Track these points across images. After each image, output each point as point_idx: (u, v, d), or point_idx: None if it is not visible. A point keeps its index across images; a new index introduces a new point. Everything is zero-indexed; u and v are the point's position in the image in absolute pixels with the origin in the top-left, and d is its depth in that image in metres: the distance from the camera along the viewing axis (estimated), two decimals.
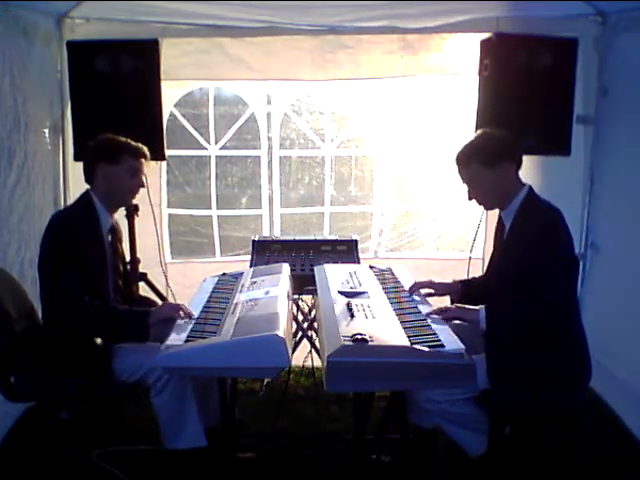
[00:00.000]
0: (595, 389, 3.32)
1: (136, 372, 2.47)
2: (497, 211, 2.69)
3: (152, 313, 2.53)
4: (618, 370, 3.34)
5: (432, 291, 2.75)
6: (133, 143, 2.71)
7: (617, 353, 3.33)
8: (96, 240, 2.63)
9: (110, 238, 2.74)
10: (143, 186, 2.75)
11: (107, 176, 2.65)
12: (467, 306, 2.44)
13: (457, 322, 2.65)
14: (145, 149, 2.74)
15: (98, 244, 2.64)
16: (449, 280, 2.80)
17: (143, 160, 2.72)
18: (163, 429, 2.51)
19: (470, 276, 3.29)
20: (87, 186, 2.73)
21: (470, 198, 2.55)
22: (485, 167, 2.44)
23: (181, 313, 2.48)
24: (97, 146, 2.70)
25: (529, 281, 2.32)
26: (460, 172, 2.53)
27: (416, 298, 2.65)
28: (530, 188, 2.49)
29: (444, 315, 2.40)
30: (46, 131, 3.54)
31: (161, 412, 2.49)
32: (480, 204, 2.57)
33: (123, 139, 2.70)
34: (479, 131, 2.59)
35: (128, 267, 3.04)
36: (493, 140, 2.49)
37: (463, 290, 2.72)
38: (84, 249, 2.53)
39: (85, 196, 2.68)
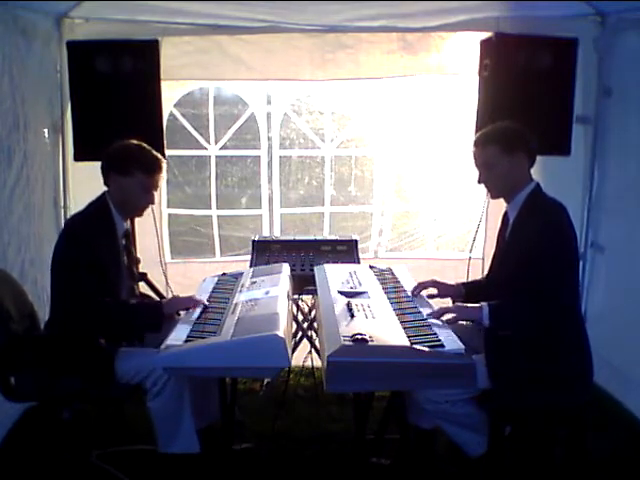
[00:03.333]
0: (605, 388, 3.35)
1: (136, 375, 2.46)
2: (498, 211, 2.69)
3: (165, 304, 2.58)
4: (627, 368, 3.35)
5: (435, 292, 2.75)
6: (149, 155, 2.60)
7: (623, 350, 3.34)
8: (112, 244, 2.62)
9: (124, 242, 2.72)
10: (153, 203, 2.69)
11: (118, 186, 2.60)
12: (467, 304, 2.44)
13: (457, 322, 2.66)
14: (161, 162, 2.62)
15: (114, 248, 2.63)
16: (450, 281, 2.80)
17: (157, 176, 2.62)
18: (158, 433, 2.51)
19: (470, 276, 3.30)
20: (87, 186, 2.73)
21: (480, 182, 2.56)
22: (502, 152, 2.46)
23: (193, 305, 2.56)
24: (111, 153, 2.63)
25: (532, 278, 2.32)
26: (476, 154, 2.54)
27: (416, 297, 2.65)
28: (538, 184, 2.50)
29: (446, 319, 2.39)
30: (46, 131, 3.54)
31: (156, 417, 2.48)
32: (488, 190, 2.57)
33: (138, 149, 2.60)
34: (499, 122, 2.60)
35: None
36: (514, 129, 2.52)
37: (466, 293, 2.71)
38: (102, 252, 2.53)
39: (101, 199, 2.64)
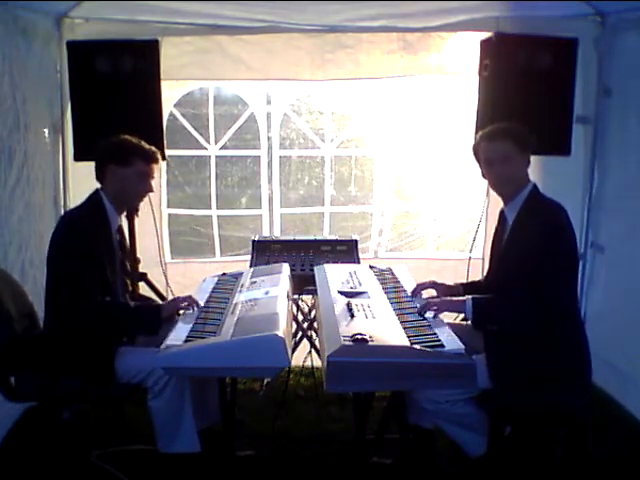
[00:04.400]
0: (605, 389, 3.36)
1: (137, 375, 2.47)
2: (497, 211, 2.69)
3: (163, 307, 2.60)
4: (627, 369, 3.35)
5: (434, 293, 2.75)
6: (146, 146, 2.67)
7: (623, 351, 3.34)
8: (107, 239, 2.63)
9: (118, 237, 2.74)
10: (152, 191, 2.73)
11: (116, 178, 2.62)
12: (453, 298, 2.45)
13: (457, 322, 2.66)
14: (157, 153, 2.70)
15: (108, 243, 2.63)
16: (449, 281, 2.80)
17: (154, 165, 2.68)
18: (158, 433, 2.51)
19: (470, 277, 3.30)
20: (87, 186, 2.73)
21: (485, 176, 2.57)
22: (517, 148, 2.47)
23: (187, 305, 2.60)
24: (108, 146, 2.66)
25: (531, 279, 2.32)
26: (488, 147, 2.51)
27: (415, 297, 2.65)
28: (535, 185, 2.51)
29: (431, 310, 2.41)
30: (46, 131, 3.54)
31: (157, 416, 2.49)
32: (495, 185, 2.56)
33: (136, 141, 2.66)
34: (503, 122, 2.59)
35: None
36: (524, 129, 2.52)
37: (465, 293, 2.71)
38: (97, 248, 2.53)
39: (95, 195, 2.66)
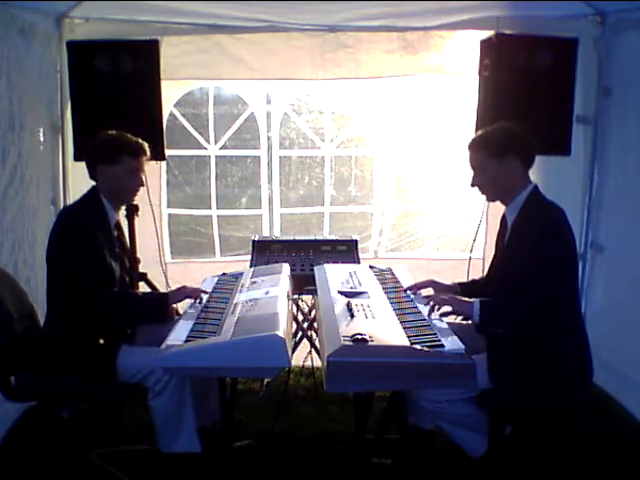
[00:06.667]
0: (605, 389, 3.37)
1: (137, 374, 2.47)
2: (499, 211, 2.69)
3: (170, 295, 2.63)
4: (626, 369, 3.35)
5: (432, 291, 2.75)
6: (132, 140, 2.68)
7: (622, 351, 3.34)
8: (106, 233, 2.64)
9: (116, 234, 2.75)
10: (143, 185, 2.74)
11: (107, 176, 2.64)
12: (462, 297, 2.44)
13: (457, 322, 2.66)
14: (144, 146, 2.70)
15: (108, 239, 2.65)
16: (449, 281, 2.80)
17: (142, 158, 2.69)
18: (159, 433, 2.51)
19: (470, 277, 3.30)
20: (87, 186, 2.73)
21: (473, 185, 2.56)
22: (490, 156, 2.46)
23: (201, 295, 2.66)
24: (95, 146, 2.69)
25: (530, 279, 2.32)
26: (469, 157, 2.55)
27: (414, 296, 2.64)
28: (536, 186, 2.50)
29: (437, 300, 2.40)
30: (42, 131, 3.53)
31: (158, 415, 2.49)
32: (482, 193, 2.58)
33: (121, 136, 2.67)
34: (498, 123, 2.60)
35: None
36: (504, 132, 2.51)
37: (463, 292, 2.71)
38: (97, 240, 2.55)
39: (92, 192, 2.68)
